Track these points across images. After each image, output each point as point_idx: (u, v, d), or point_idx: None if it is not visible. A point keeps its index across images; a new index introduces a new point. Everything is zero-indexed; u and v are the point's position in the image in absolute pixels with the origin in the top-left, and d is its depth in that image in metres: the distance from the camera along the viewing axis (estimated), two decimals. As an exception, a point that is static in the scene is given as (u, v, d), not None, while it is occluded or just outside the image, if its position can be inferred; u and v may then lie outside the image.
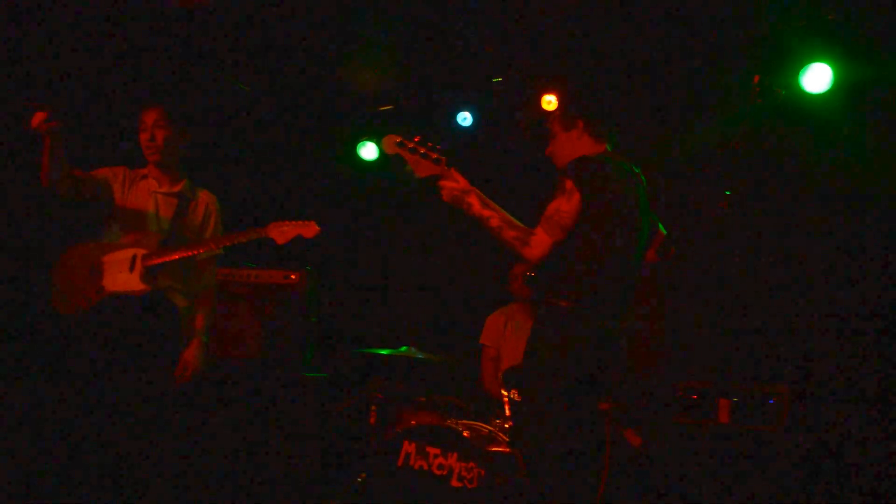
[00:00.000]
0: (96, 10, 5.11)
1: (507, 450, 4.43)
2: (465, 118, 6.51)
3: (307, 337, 5.45)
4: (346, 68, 6.27)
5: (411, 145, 3.48)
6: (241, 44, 5.83)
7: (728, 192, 3.94)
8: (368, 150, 6.90)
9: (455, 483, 4.16)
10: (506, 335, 5.55)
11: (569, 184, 3.33)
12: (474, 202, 3.43)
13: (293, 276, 5.51)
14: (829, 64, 5.09)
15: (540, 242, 3.34)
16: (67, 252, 4.11)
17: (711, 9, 5.26)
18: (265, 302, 5.50)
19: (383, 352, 4.91)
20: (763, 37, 5.28)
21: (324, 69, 6.25)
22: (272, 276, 5.51)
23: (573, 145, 3.60)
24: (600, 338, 3.38)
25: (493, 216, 3.42)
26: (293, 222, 3.97)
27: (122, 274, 3.97)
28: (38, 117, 3.69)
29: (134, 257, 3.98)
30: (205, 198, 4.28)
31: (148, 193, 4.14)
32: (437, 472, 4.22)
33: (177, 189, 4.20)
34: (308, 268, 5.55)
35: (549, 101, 6.10)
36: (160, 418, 4.07)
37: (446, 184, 3.45)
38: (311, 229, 3.95)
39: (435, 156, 3.47)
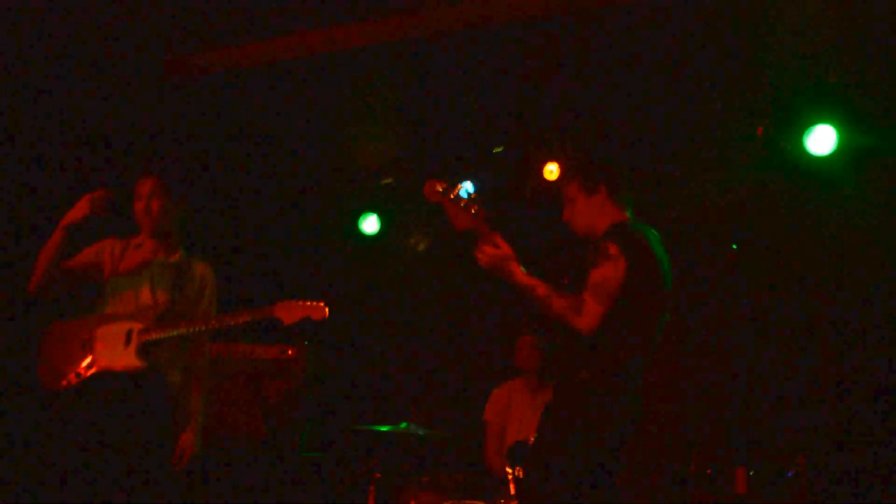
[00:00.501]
0: (92, 78, 5.08)
1: (512, 531, 4.22)
2: (466, 189, 6.41)
3: (304, 414, 5.26)
4: (348, 141, 6.25)
5: (454, 194, 3.33)
6: (243, 115, 5.83)
7: (735, 246, 3.81)
8: (370, 224, 6.80)
9: (455, 569, 3.96)
10: (510, 411, 5.35)
11: (613, 249, 3.15)
12: (517, 270, 3.24)
13: (290, 352, 5.35)
14: (833, 126, 5.02)
15: (593, 312, 3.10)
16: (56, 324, 3.94)
17: (718, 68, 5.23)
18: (261, 378, 5.33)
19: (382, 428, 4.72)
20: (768, 97, 5.22)
21: (325, 142, 6.22)
22: (268, 351, 5.35)
23: (596, 211, 3.44)
24: (625, 413, 3.20)
25: (539, 285, 3.20)
26: (302, 303, 3.78)
27: (116, 349, 3.75)
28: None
29: (130, 331, 3.77)
30: (200, 269, 4.07)
31: (143, 264, 3.95)
32: (437, 557, 4.01)
33: (173, 259, 4.00)
34: (306, 342, 5.40)
35: (551, 171, 6.04)
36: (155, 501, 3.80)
37: (487, 249, 3.27)
38: (320, 311, 3.78)
39: (475, 209, 3.31)
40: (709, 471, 4.54)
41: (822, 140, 5.06)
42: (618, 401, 3.17)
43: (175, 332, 3.77)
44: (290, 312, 3.75)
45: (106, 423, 3.69)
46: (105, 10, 4.54)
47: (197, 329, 3.79)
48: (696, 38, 4.96)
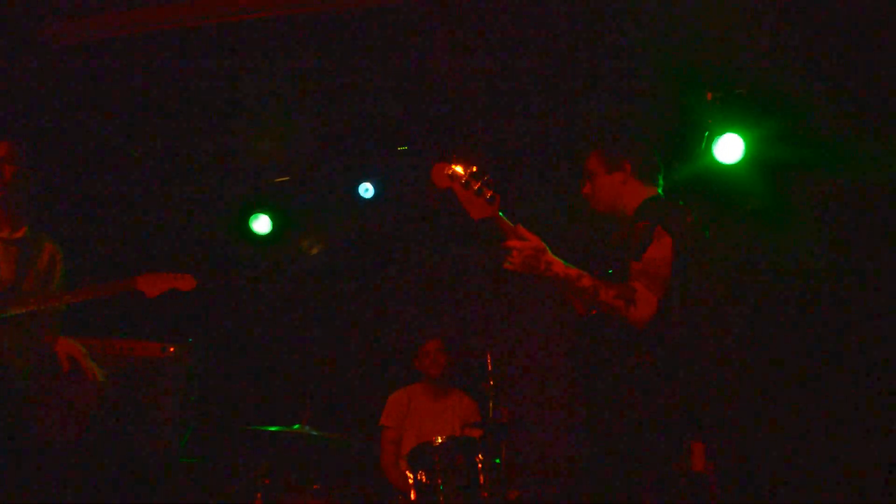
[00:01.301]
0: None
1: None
2: (366, 189, 6.17)
3: (185, 416, 4.82)
4: (239, 136, 5.90)
5: (465, 178, 2.94)
6: (134, 102, 5.40)
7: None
8: (261, 224, 6.43)
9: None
10: (410, 415, 5.11)
11: (657, 229, 2.89)
12: (554, 261, 2.88)
13: (171, 349, 4.90)
14: (740, 135, 5.04)
15: (647, 300, 2.82)
16: None
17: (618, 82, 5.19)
18: (138, 378, 4.85)
19: (273, 428, 4.35)
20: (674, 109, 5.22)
21: (215, 136, 5.84)
22: (147, 348, 4.89)
23: (618, 188, 3.25)
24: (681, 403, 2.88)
25: (583, 275, 2.88)
26: (167, 274, 3.65)
27: None
28: None
29: None
30: (49, 247, 3.83)
31: None
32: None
33: (18, 235, 3.73)
34: (189, 340, 4.98)
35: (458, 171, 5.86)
36: None
37: (514, 244, 2.89)
38: (187, 282, 3.68)
39: (490, 194, 2.93)
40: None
41: (729, 148, 5.07)
42: (676, 390, 2.85)
43: (23, 309, 3.53)
44: (153, 284, 3.62)
45: None
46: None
47: (49, 305, 3.56)
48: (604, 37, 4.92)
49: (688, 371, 2.83)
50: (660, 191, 3.30)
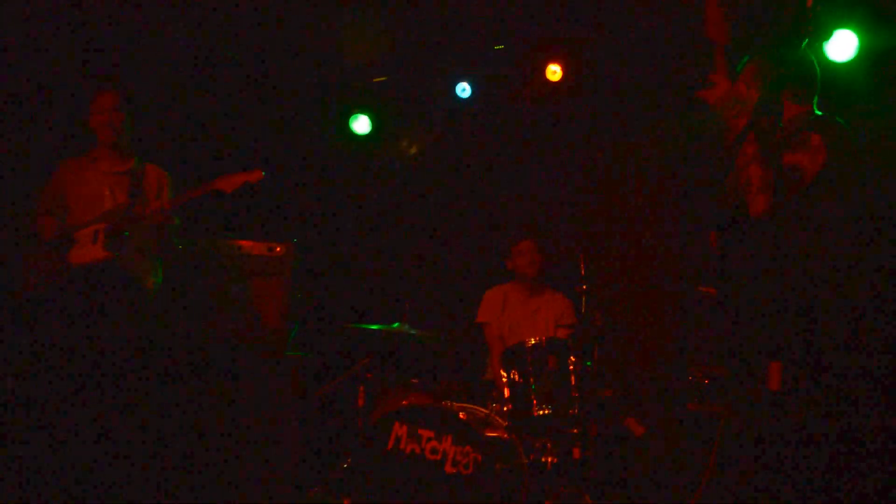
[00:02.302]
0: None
1: (506, 435, 4.13)
2: (463, 89, 6.19)
3: (292, 313, 5.09)
4: (338, 38, 5.96)
5: None
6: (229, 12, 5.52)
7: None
8: (361, 124, 6.56)
9: (449, 468, 3.89)
10: (505, 313, 5.24)
11: (815, 139, 2.81)
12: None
13: (278, 249, 5.14)
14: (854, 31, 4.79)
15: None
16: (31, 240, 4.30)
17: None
18: (248, 276, 5.14)
19: (373, 327, 4.57)
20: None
21: (314, 38, 5.92)
22: (255, 248, 5.14)
23: None
24: None
25: None
26: (239, 173, 4.13)
27: (86, 247, 4.15)
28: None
29: (96, 231, 4.17)
30: (154, 172, 4.46)
31: (101, 175, 4.33)
32: (430, 457, 3.93)
33: (127, 167, 4.38)
34: (294, 240, 5.21)
35: (554, 72, 5.80)
36: (136, 398, 4.18)
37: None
38: (255, 175, 4.13)
39: None
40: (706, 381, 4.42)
41: (842, 46, 4.83)
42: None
43: (131, 221, 4.18)
44: (229, 182, 4.12)
45: (84, 313, 4.09)
46: None
47: (147, 213, 4.17)
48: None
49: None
50: (815, 109, 3.15)
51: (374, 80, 6.48)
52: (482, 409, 4.29)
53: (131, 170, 4.37)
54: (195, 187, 4.16)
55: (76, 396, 4.02)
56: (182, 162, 5.21)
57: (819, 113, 3.15)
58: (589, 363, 4.22)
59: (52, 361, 4.04)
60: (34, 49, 5.27)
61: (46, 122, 5.21)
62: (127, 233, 4.17)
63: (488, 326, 5.26)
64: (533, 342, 4.30)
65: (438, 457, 3.91)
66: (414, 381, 4.64)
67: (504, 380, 4.36)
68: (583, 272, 4.39)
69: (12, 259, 4.33)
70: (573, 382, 4.19)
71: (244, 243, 5.16)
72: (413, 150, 6.69)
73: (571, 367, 4.23)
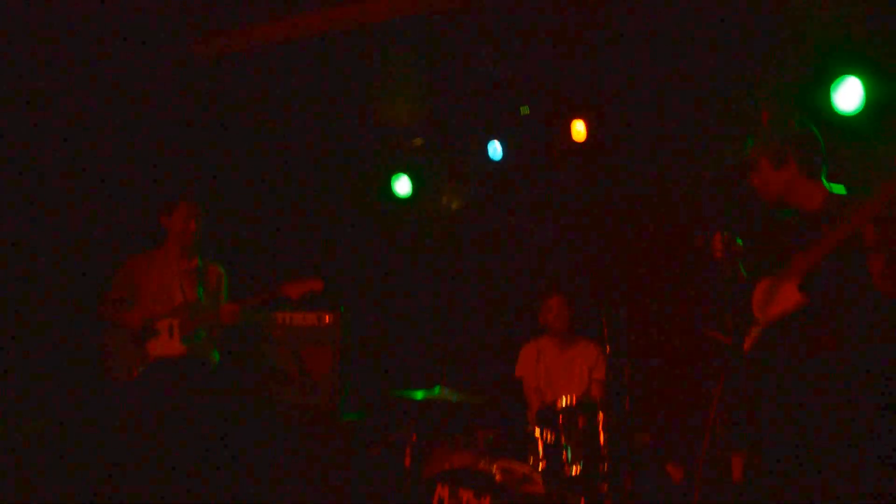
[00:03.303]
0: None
1: (542, 491, 4.40)
2: (495, 150, 6.47)
3: (343, 378, 5.48)
4: (377, 105, 6.32)
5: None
6: (272, 87, 5.93)
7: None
8: (402, 185, 6.88)
9: (488, 527, 4.15)
10: (539, 367, 5.50)
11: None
12: None
13: (327, 318, 5.57)
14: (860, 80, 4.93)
15: None
16: (109, 326, 4.83)
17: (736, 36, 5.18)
18: (301, 344, 5.56)
19: (417, 395, 4.91)
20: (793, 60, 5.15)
21: (355, 108, 6.30)
22: (306, 318, 5.59)
23: (787, 185, 3.39)
24: None
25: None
26: (304, 280, 4.71)
27: (163, 340, 4.73)
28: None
29: (171, 326, 4.75)
30: (214, 270, 5.05)
31: (171, 272, 4.90)
32: (471, 517, 4.21)
33: (193, 266, 4.97)
34: (341, 309, 5.59)
35: (579, 130, 6.05)
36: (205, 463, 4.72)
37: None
38: (318, 284, 4.72)
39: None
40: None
41: (849, 95, 4.97)
42: None
43: (207, 324, 4.78)
44: (294, 289, 4.70)
45: (168, 401, 4.66)
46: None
47: (224, 319, 4.76)
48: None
49: None
50: (825, 183, 3.39)
51: (413, 143, 6.83)
52: (521, 467, 4.55)
53: (197, 269, 4.95)
54: (263, 292, 4.74)
55: (162, 474, 4.54)
56: (228, 240, 5.65)
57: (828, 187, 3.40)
58: (616, 422, 4.44)
59: (139, 444, 4.56)
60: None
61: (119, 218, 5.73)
62: (202, 332, 4.76)
63: (525, 380, 5.52)
64: (564, 403, 4.55)
65: (479, 515, 4.22)
66: (458, 438, 4.93)
67: (538, 439, 4.62)
68: (606, 333, 4.63)
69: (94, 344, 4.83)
70: (602, 440, 4.43)
71: (295, 315, 5.59)
72: (454, 206, 6.99)
73: (601, 426, 4.46)
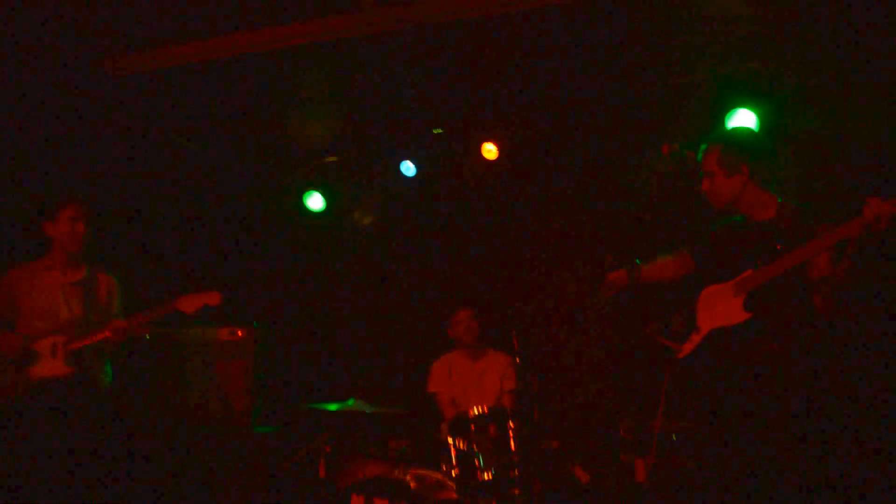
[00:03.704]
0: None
1: (455, 496, 4.53)
2: (408, 168, 6.62)
3: (255, 392, 5.50)
4: (290, 122, 6.38)
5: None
6: (182, 103, 5.92)
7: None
8: (315, 201, 6.92)
9: (403, 534, 4.26)
10: (452, 381, 5.64)
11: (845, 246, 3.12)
12: None
13: (240, 333, 5.58)
14: (753, 110, 5.28)
15: None
16: None
17: (639, 61, 5.48)
18: (213, 358, 5.56)
19: (331, 407, 4.98)
20: (692, 87, 5.48)
21: (269, 124, 6.34)
22: (219, 333, 5.58)
23: (738, 191, 3.48)
24: None
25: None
26: (199, 294, 4.34)
27: (46, 361, 4.30)
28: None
29: (54, 344, 4.31)
30: (105, 281, 4.59)
31: (54, 286, 4.44)
32: (386, 524, 4.31)
33: (80, 277, 4.51)
34: (255, 324, 5.63)
35: (490, 150, 6.26)
36: (107, 484, 4.32)
37: None
38: (215, 298, 4.35)
39: None
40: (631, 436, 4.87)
41: (742, 123, 5.32)
42: None
43: (93, 341, 4.32)
44: (189, 303, 4.32)
45: (52, 426, 4.21)
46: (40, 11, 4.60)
47: (111, 337, 4.30)
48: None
49: None
50: (773, 191, 3.49)
51: (326, 159, 6.91)
52: (434, 474, 4.68)
53: (84, 280, 4.50)
54: (156, 307, 4.33)
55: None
56: (136, 253, 5.54)
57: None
58: (526, 430, 4.62)
59: (21, 473, 4.14)
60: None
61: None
62: (89, 349, 4.34)
63: (439, 395, 5.64)
64: (475, 412, 4.71)
65: (394, 523, 4.32)
66: (371, 450, 5.03)
67: (451, 447, 4.76)
68: (516, 346, 4.82)
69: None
70: (513, 447, 4.60)
71: (208, 329, 5.59)
72: (365, 222, 7.10)
73: (511, 433, 4.63)
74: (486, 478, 4.54)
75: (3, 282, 4.46)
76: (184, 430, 5.32)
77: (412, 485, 4.44)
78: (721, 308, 3.45)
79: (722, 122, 5.37)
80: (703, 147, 3.61)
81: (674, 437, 4.60)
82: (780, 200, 3.49)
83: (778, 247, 3.27)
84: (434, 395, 5.68)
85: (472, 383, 5.61)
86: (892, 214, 2.91)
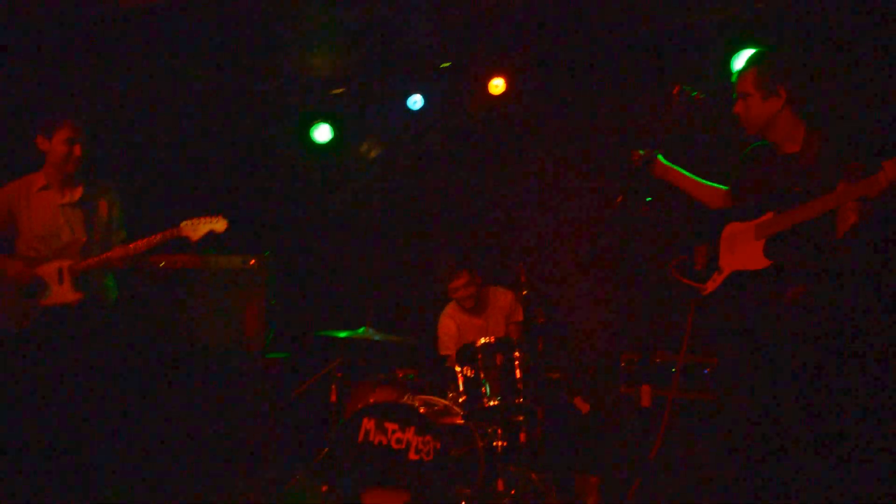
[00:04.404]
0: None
1: (461, 422, 4.71)
2: (415, 101, 6.65)
3: (267, 319, 5.64)
4: (297, 51, 6.38)
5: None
6: (189, 30, 5.91)
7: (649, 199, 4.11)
8: (322, 132, 6.96)
9: (413, 456, 4.42)
10: (460, 336, 5.73)
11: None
12: None
13: (252, 262, 5.68)
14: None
15: None
16: None
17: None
18: (226, 287, 5.68)
19: (341, 334, 5.11)
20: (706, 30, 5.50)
21: (275, 53, 6.34)
22: (231, 261, 5.68)
23: (773, 116, 3.40)
24: None
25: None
26: (203, 218, 4.27)
27: (52, 287, 4.24)
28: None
29: (60, 270, 4.26)
30: (103, 198, 4.49)
31: (53, 206, 4.36)
32: (396, 447, 4.47)
33: (78, 196, 4.42)
34: (266, 252, 5.73)
35: (497, 86, 6.30)
36: (121, 408, 4.47)
37: None
38: (221, 224, 4.28)
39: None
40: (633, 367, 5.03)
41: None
42: None
43: (99, 264, 4.25)
44: (194, 230, 4.24)
45: (64, 353, 4.20)
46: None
47: (115, 259, 4.25)
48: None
49: None
50: (803, 118, 3.41)
51: (333, 91, 6.93)
52: (441, 401, 4.85)
53: (83, 199, 4.42)
54: (159, 234, 4.26)
55: (67, 428, 4.18)
56: (142, 176, 5.58)
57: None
58: (531, 360, 4.78)
59: (34, 399, 4.16)
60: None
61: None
62: (95, 273, 4.32)
63: (452, 357, 5.64)
64: (482, 341, 4.85)
65: (403, 446, 4.47)
66: (381, 376, 5.19)
67: (459, 374, 4.93)
68: (523, 279, 4.96)
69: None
70: (518, 376, 4.74)
71: (221, 258, 5.69)
72: (372, 155, 7.16)
73: (517, 363, 4.78)
74: (491, 404, 4.71)
75: (5, 196, 4.36)
76: (195, 355, 5.45)
77: (421, 410, 4.60)
78: (742, 249, 3.43)
79: (728, 63, 5.44)
80: (740, 68, 3.51)
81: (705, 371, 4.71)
82: (806, 129, 3.42)
83: (798, 189, 3.25)
84: (447, 359, 5.74)
85: (481, 333, 5.66)
86: None
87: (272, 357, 5.59)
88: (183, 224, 4.24)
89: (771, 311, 3.35)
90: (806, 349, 3.26)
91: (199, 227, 4.24)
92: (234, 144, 6.75)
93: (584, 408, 5.21)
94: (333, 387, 5.12)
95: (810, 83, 3.58)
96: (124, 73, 5.95)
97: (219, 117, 6.66)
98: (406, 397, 4.82)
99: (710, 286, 3.55)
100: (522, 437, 4.77)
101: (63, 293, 4.23)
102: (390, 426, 4.56)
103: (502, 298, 5.79)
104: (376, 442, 4.53)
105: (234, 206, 6.16)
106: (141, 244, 4.26)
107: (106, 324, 4.39)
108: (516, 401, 4.71)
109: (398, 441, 4.51)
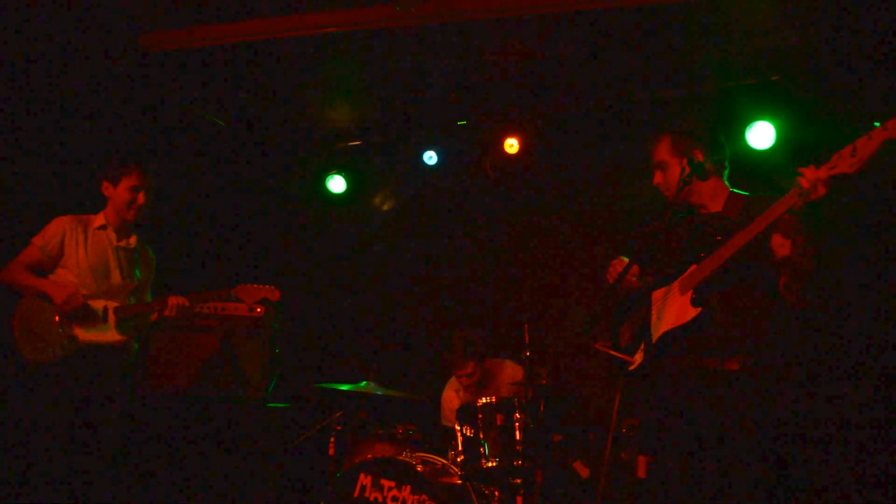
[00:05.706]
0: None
1: (459, 482, 4.66)
2: (430, 157, 6.71)
3: (271, 368, 5.64)
4: (316, 103, 6.48)
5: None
6: (213, 84, 6.02)
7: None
8: (336, 183, 7.03)
9: (408, 515, 4.38)
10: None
11: (794, 221, 2.95)
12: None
13: (259, 310, 5.65)
14: (772, 122, 5.38)
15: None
16: (26, 300, 4.30)
17: (661, 67, 5.56)
18: (231, 333, 5.69)
19: (343, 387, 5.10)
20: (710, 97, 5.55)
21: (292, 107, 6.44)
22: (238, 308, 5.67)
23: (691, 185, 3.33)
24: None
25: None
26: (260, 287, 4.50)
27: (96, 323, 4.29)
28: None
29: (105, 309, 4.32)
30: (147, 253, 4.65)
31: (109, 246, 4.44)
32: (391, 504, 4.43)
33: (133, 244, 4.54)
34: (277, 304, 5.74)
35: (511, 145, 6.36)
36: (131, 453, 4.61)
37: None
38: (275, 293, 4.55)
39: None
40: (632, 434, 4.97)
41: (762, 135, 5.42)
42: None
43: (147, 310, 4.37)
44: (249, 293, 4.52)
45: (95, 390, 4.24)
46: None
47: (167, 313, 4.35)
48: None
49: None
50: (727, 182, 3.38)
51: (349, 143, 7.01)
52: (440, 459, 4.80)
53: (136, 248, 4.52)
54: (216, 291, 4.48)
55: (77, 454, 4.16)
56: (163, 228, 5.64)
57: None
58: (532, 422, 4.73)
59: (58, 431, 4.13)
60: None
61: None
62: (137, 319, 4.39)
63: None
64: (483, 401, 4.82)
65: (398, 504, 4.45)
66: (380, 431, 5.15)
67: (458, 433, 4.89)
68: (527, 340, 4.94)
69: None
70: (518, 437, 4.70)
71: (227, 305, 5.69)
72: (385, 208, 7.21)
73: (517, 424, 4.74)
74: (489, 465, 4.65)
75: (58, 225, 4.36)
76: (199, 402, 5.45)
77: (419, 468, 4.55)
78: (670, 309, 3.32)
79: (741, 133, 5.48)
80: (653, 140, 3.49)
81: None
82: (731, 191, 3.38)
83: (718, 238, 3.13)
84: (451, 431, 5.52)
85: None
86: (829, 179, 2.76)
87: (273, 406, 5.58)
88: (239, 287, 4.50)
89: (702, 366, 3.21)
90: (747, 403, 3.13)
91: (254, 293, 4.50)
92: (247, 193, 6.82)
93: (585, 472, 5.15)
94: (332, 439, 5.09)
95: (723, 149, 3.46)
96: (140, 118, 6.07)
97: (233, 164, 6.75)
98: (404, 454, 4.78)
99: (639, 358, 3.44)
100: (519, 500, 4.70)
101: (107, 332, 4.29)
102: (386, 483, 4.53)
103: (504, 370, 5.65)
104: (371, 498, 4.49)
105: (244, 251, 6.29)
106: (198, 297, 4.44)
107: (128, 371, 4.47)
108: (515, 463, 4.66)
109: (394, 499, 4.47)
